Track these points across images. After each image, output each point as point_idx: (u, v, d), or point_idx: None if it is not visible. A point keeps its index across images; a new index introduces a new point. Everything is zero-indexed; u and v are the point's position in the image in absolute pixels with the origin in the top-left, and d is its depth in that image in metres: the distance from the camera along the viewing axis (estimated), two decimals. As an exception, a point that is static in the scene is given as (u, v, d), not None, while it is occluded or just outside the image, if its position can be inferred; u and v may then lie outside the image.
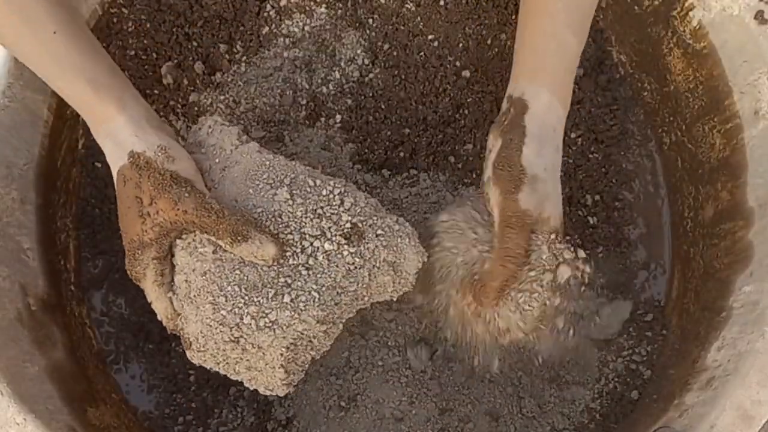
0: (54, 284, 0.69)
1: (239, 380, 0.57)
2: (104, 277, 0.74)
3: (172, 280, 0.57)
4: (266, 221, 0.55)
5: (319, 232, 0.55)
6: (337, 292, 0.55)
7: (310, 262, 0.55)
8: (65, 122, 0.72)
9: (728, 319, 0.64)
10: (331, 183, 0.57)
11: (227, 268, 0.54)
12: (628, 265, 0.77)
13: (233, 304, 0.53)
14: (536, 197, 0.55)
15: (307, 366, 0.57)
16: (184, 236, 0.56)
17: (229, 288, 0.54)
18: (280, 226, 0.55)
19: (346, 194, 0.56)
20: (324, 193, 0.56)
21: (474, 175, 0.76)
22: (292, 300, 0.53)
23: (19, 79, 0.66)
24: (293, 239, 0.55)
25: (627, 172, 0.80)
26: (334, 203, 0.56)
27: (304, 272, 0.54)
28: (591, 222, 0.77)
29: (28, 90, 0.66)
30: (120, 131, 0.55)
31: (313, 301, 0.54)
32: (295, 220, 0.55)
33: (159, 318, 0.57)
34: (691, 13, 0.71)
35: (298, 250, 0.55)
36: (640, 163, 0.81)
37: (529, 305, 0.57)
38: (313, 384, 0.71)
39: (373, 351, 0.71)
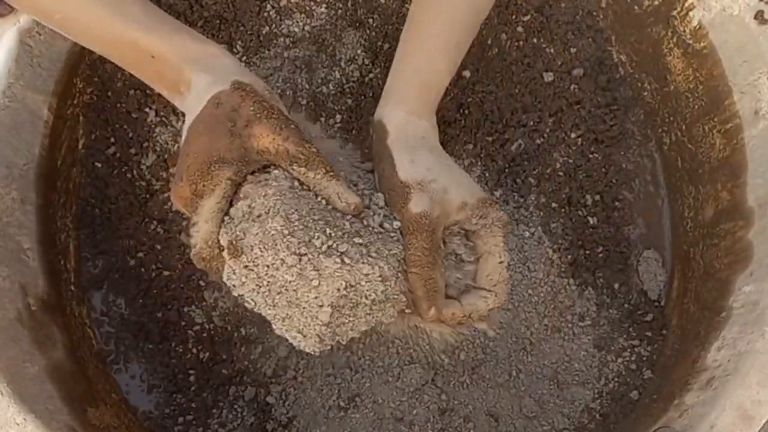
0: (54, 284, 0.69)
1: (270, 317, 0.52)
2: (104, 277, 0.74)
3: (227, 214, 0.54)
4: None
5: (388, 211, 0.55)
6: (401, 267, 0.54)
7: (385, 225, 0.54)
8: (65, 122, 0.72)
9: (728, 319, 0.64)
10: None
11: (303, 199, 0.52)
12: (628, 265, 0.77)
13: (305, 224, 0.50)
14: (428, 198, 0.55)
15: (342, 338, 0.54)
16: (256, 174, 0.54)
17: (304, 212, 0.51)
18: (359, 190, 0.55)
19: None
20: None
21: (474, 175, 0.76)
22: (363, 245, 0.51)
23: (19, 79, 0.66)
24: (367, 203, 0.55)
25: (627, 172, 0.80)
26: None
27: (375, 233, 0.53)
28: (591, 222, 0.77)
29: (28, 90, 0.66)
30: (225, 65, 0.55)
31: (383, 257, 0.52)
32: (370, 190, 0.56)
33: (193, 243, 0.54)
34: (691, 13, 0.71)
35: (372, 214, 0.54)
36: (640, 163, 0.81)
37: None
38: (313, 384, 0.71)
39: (373, 351, 0.71)
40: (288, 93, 0.76)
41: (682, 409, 0.61)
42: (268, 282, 0.51)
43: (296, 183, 0.54)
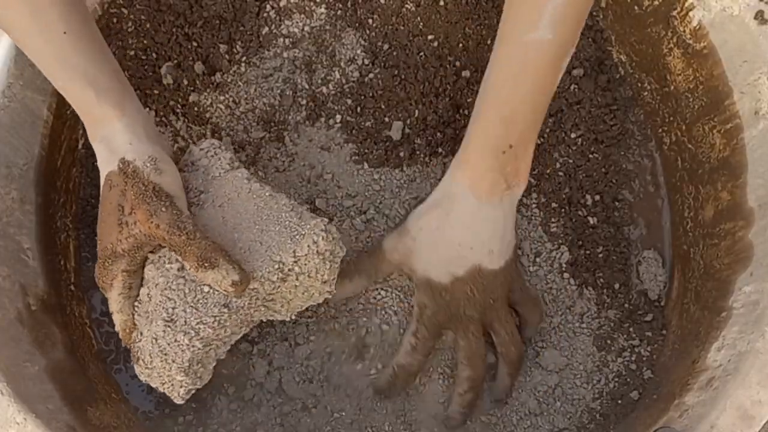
0: (54, 284, 0.69)
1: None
2: (104, 277, 0.74)
3: (138, 295, 0.57)
4: (237, 251, 0.55)
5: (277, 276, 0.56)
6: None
7: (270, 297, 0.57)
8: (65, 122, 0.72)
9: (728, 319, 0.64)
10: (308, 224, 0.57)
11: (189, 284, 0.55)
12: (628, 265, 0.77)
13: (185, 322, 0.54)
14: (397, 246, 0.64)
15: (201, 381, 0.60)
16: (157, 251, 0.56)
17: (190, 299, 0.55)
18: (249, 259, 0.55)
19: (315, 235, 0.56)
20: (293, 233, 0.56)
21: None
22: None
23: (19, 79, 0.66)
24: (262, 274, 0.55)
25: (627, 172, 0.80)
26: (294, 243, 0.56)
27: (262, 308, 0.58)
28: (591, 222, 0.77)
29: (28, 90, 0.66)
30: (115, 137, 0.55)
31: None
32: (260, 256, 0.56)
33: (116, 329, 0.58)
34: (691, 13, 0.71)
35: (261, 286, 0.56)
36: (640, 163, 0.81)
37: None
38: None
39: (376, 351, 0.71)
40: (288, 93, 0.76)
41: (682, 409, 0.61)
42: (169, 379, 0.58)
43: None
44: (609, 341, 0.74)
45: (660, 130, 0.80)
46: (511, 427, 0.70)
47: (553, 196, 0.77)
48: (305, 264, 0.56)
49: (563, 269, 0.75)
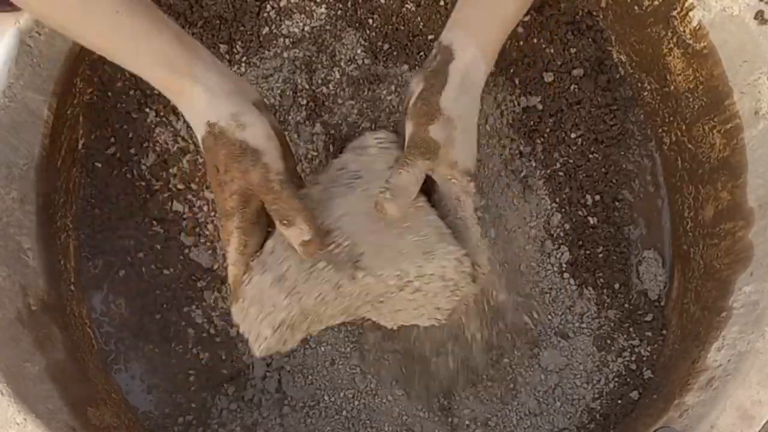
0: (54, 284, 0.69)
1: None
2: (104, 277, 0.74)
3: (256, 252, 0.57)
4: (368, 243, 0.55)
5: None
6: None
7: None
8: (65, 122, 0.72)
9: (728, 319, 0.64)
10: (444, 248, 0.56)
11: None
12: (628, 265, 0.77)
13: (293, 285, 0.54)
14: (446, 135, 0.56)
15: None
16: None
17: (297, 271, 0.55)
18: (376, 256, 0.55)
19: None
20: (426, 250, 0.56)
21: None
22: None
23: (20, 79, 0.66)
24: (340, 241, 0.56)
25: (627, 172, 0.80)
26: None
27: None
28: (591, 222, 0.77)
29: (28, 90, 0.66)
30: (196, 103, 0.56)
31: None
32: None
33: (228, 279, 0.58)
34: (691, 13, 0.71)
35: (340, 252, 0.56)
36: (640, 163, 0.81)
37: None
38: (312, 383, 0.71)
39: (377, 352, 0.71)
40: (288, 93, 0.76)
41: (682, 409, 0.61)
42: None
43: None
44: (609, 341, 0.74)
45: (660, 130, 0.80)
46: (511, 427, 0.70)
47: (553, 196, 0.77)
48: (427, 284, 0.55)
49: (563, 269, 0.75)
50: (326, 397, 0.70)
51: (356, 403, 0.70)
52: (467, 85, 0.58)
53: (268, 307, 0.55)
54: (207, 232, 0.74)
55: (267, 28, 0.78)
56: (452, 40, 0.59)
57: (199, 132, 0.56)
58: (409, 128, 0.57)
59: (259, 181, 0.54)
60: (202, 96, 0.55)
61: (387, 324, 0.60)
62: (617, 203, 0.78)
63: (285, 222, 0.54)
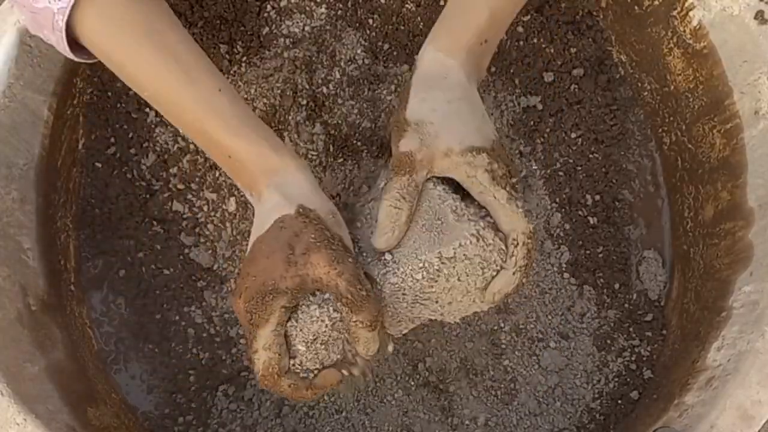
0: (54, 284, 0.69)
1: None
2: (104, 277, 0.74)
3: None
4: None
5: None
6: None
7: None
8: (65, 122, 0.72)
9: (728, 319, 0.64)
10: (461, 227, 0.56)
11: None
12: (628, 265, 0.77)
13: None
14: (419, 139, 0.55)
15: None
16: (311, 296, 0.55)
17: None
18: (400, 253, 0.55)
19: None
20: (444, 234, 0.56)
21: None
22: None
23: (20, 80, 0.66)
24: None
25: (627, 172, 0.80)
26: None
27: None
28: (591, 222, 0.77)
29: (28, 90, 0.66)
30: (294, 185, 0.55)
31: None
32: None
33: (256, 370, 0.54)
34: (691, 13, 0.71)
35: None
36: (640, 163, 0.81)
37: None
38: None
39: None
40: (288, 93, 0.76)
41: (682, 409, 0.61)
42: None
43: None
44: (609, 341, 0.74)
45: (660, 130, 0.80)
46: (511, 427, 0.70)
47: (553, 196, 0.77)
48: (455, 267, 0.54)
49: (563, 269, 0.75)
50: (326, 397, 0.70)
51: (356, 403, 0.70)
52: (432, 81, 0.57)
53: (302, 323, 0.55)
54: (207, 232, 0.74)
55: (267, 28, 0.78)
56: (418, 55, 0.59)
57: (282, 211, 0.53)
58: (393, 150, 0.56)
59: (352, 275, 0.51)
60: (303, 181, 0.55)
61: (451, 320, 0.59)
62: (617, 203, 0.78)
63: (375, 325, 0.52)
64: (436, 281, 0.55)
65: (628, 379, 0.72)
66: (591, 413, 0.71)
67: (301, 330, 0.54)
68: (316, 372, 0.56)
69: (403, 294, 0.55)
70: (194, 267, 0.74)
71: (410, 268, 0.54)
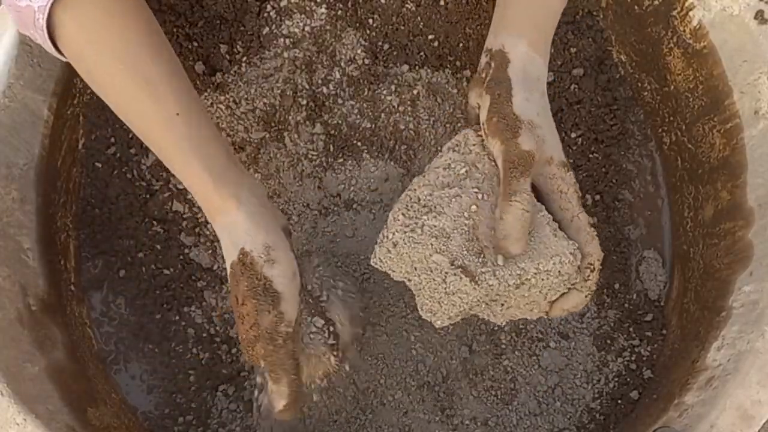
0: (54, 284, 0.69)
1: None
2: (104, 277, 0.74)
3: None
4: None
5: None
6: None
7: None
8: (65, 122, 0.72)
9: (728, 318, 0.64)
10: (561, 244, 0.56)
11: None
12: (628, 265, 0.77)
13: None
14: (535, 140, 0.55)
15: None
16: None
17: None
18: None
19: None
20: (544, 247, 0.56)
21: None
22: None
23: (20, 79, 0.66)
24: None
25: (627, 172, 0.80)
26: None
27: None
28: (591, 222, 0.77)
29: (28, 90, 0.66)
30: (236, 227, 0.56)
31: None
32: None
33: (280, 404, 0.58)
34: (691, 13, 0.71)
35: None
36: (640, 163, 0.81)
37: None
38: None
39: (377, 350, 0.71)
40: (288, 93, 0.76)
41: (682, 409, 0.61)
42: None
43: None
44: (609, 341, 0.74)
45: (660, 130, 0.80)
46: (511, 427, 0.70)
47: (553, 196, 0.77)
48: (543, 280, 0.55)
49: (563, 269, 0.75)
50: (326, 398, 0.70)
51: (356, 403, 0.70)
52: (531, 82, 0.57)
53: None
54: (207, 232, 0.74)
55: (267, 28, 0.78)
56: (502, 43, 0.58)
57: (230, 257, 0.56)
58: (495, 146, 0.56)
59: (267, 327, 0.54)
60: (243, 222, 0.56)
61: (497, 321, 0.60)
62: (617, 203, 0.78)
63: (273, 376, 0.56)
64: (519, 288, 0.55)
65: (628, 379, 0.72)
66: (591, 413, 0.71)
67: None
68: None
69: (486, 294, 0.56)
70: (194, 267, 0.74)
71: (508, 273, 0.54)
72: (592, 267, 0.55)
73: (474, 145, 0.59)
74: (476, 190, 0.56)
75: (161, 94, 0.55)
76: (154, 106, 0.55)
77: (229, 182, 0.56)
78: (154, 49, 0.56)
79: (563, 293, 0.57)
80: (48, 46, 0.55)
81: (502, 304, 0.57)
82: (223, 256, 0.72)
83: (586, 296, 0.56)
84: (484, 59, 0.60)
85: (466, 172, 0.57)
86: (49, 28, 0.54)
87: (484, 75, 0.59)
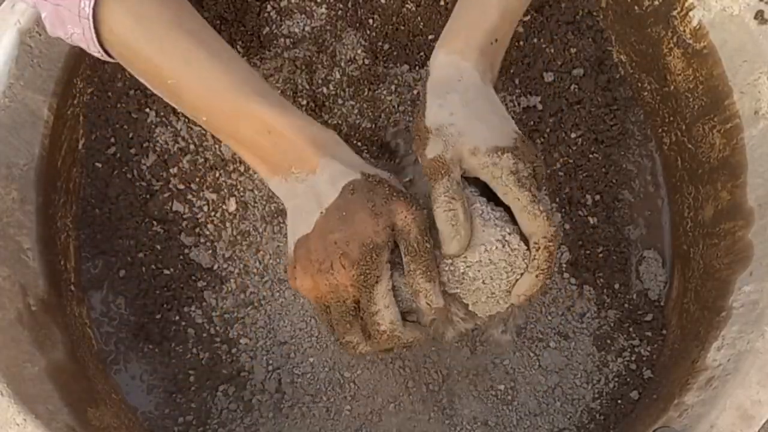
0: (54, 284, 0.69)
1: None
2: (104, 277, 0.74)
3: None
4: None
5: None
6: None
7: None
8: (65, 122, 0.72)
9: (728, 318, 0.64)
10: (487, 232, 0.56)
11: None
12: (628, 265, 0.77)
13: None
14: (443, 142, 0.55)
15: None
16: None
17: None
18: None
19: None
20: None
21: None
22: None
23: (20, 80, 0.66)
24: None
25: (627, 172, 0.80)
26: None
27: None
28: (591, 222, 0.77)
29: (28, 90, 0.66)
30: (350, 154, 0.57)
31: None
32: None
33: (382, 329, 0.55)
34: (691, 13, 0.71)
35: None
36: (640, 163, 0.81)
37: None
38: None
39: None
40: (288, 93, 0.76)
41: (682, 409, 0.61)
42: None
43: None
44: (609, 341, 0.74)
45: (660, 130, 0.80)
46: (511, 427, 0.70)
47: (553, 196, 0.77)
48: (478, 271, 0.55)
49: (563, 269, 0.75)
50: (326, 398, 0.70)
51: (356, 403, 0.70)
52: (448, 84, 0.57)
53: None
54: (207, 232, 0.74)
55: (267, 28, 0.78)
56: (430, 60, 0.59)
57: (347, 177, 0.54)
58: (419, 159, 0.57)
59: (421, 228, 0.53)
60: (353, 154, 0.57)
61: (479, 318, 0.60)
62: (617, 203, 0.78)
63: (430, 275, 0.53)
64: (462, 283, 0.55)
65: (628, 379, 0.72)
66: (591, 413, 0.71)
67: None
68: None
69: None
70: (194, 267, 0.74)
71: (449, 271, 0.55)
72: (537, 245, 0.54)
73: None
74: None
75: (229, 61, 0.56)
76: (228, 70, 0.55)
77: (327, 128, 0.57)
78: (205, 24, 0.57)
79: (517, 279, 0.56)
80: (90, 35, 0.55)
81: (463, 301, 0.57)
82: (224, 256, 0.72)
83: (536, 276, 0.55)
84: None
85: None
86: (94, 22, 0.54)
87: None
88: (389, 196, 0.53)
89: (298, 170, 0.56)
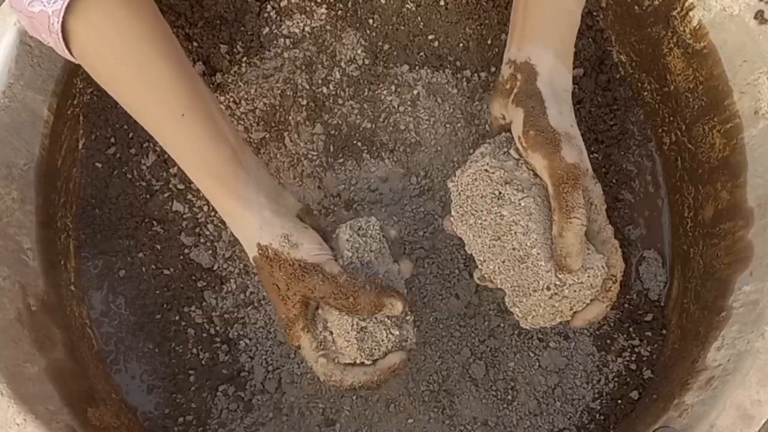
0: (54, 284, 0.69)
1: None
2: (104, 277, 0.74)
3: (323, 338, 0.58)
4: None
5: None
6: None
7: None
8: (65, 122, 0.72)
9: (728, 318, 0.64)
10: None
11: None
12: (628, 266, 0.77)
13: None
14: (578, 151, 0.55)
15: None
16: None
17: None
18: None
19: None
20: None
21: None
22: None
23: (20, 80, 0.66)
24: None
25: (627, 172, 0.80)
26: None
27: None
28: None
29: (28, 90, 0.67)
30: (247, 226, 0.57)
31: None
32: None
33: (323, 379, 0.58)
34: (691, 13, 0.71)
35: None
36: (640, 163, 0.81)
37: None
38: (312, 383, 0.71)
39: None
40: (288, 93, 0.76)
41: (682, 409, 0.61)
42: None
43: None
44: (609, 341, 0.74)
45: (660, 130, 0.80)
46: (511, 427, 0.70)
47: (553, 196, 0.77)
48: (576, 291, 0.56)
49: (563, 269, 0.75)
50: (326, 399, 0.70)
51: (356, 403, 0.70)
52: (560, 95, 0.57)
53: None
54: (207, 232, 0.74)
55: (267, 28, 0.78)
56: (528, 56, 0.58)
57: (251, 252, 0.57)
58: (537, 161, 0.55)
59: (331, 293, 0.54)
60: (252, 220, 0.56)
61: (524, 325, 0.60)
62: (617, 203, 0.78)
63: (377, 310, 0.55)
64: (551, 299, 0.56)
65: (628, 379, 0.72)
66: (591, 413, 0.71)
67: (334, 330, 0.57)
68: (373, 360, 0.58)
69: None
70: (194, 267, 0.74)
71: (547, 281, 0.56)
72: (614, 278, 0.56)
73: (512, 149, 0.59)
74: (519, 198, 0.56)
75: (166, 97, 0.55)
76: (160, 109, 0.55)
77: (236, 184, 0.56)
78: (162, 53, 0.56)
79: (587, 304, 0.57)
80: (61, 48, 0.55)
81: (529, 310, 0.58)
82: (224, 256, 0.72)
83: (606, 307, 0.57)
84: (507, 70, 0.60)
85: (504, 178, 0.57)
86: (63, 33, 0.54)
87: (508, 86, 0.59)
88: (290, 281, 0.55)
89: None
